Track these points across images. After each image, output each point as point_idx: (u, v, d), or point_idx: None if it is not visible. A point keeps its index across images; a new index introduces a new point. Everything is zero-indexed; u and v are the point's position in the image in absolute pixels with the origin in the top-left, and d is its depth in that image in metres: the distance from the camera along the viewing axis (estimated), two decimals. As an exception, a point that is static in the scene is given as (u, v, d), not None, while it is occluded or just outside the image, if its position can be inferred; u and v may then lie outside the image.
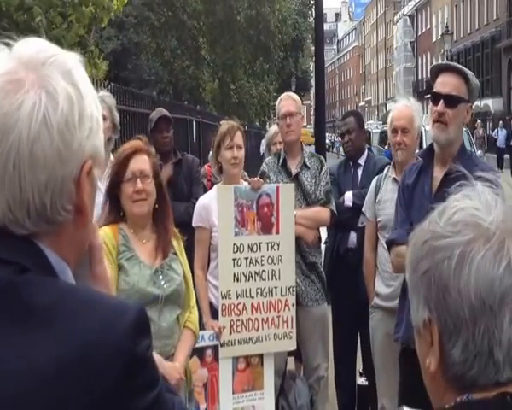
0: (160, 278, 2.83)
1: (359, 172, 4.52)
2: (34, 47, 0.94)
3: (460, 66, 3.13)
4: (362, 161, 4.54)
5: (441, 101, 2.93)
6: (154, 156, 2.93)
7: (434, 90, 3.00)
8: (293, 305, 3.83)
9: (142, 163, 2.80)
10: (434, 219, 0.99)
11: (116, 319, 0.89)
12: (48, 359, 0.84)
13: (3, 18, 5.46)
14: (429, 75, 3.21)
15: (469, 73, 3.03)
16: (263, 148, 10.86)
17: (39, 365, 0.83)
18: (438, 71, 3.06)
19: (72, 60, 0.97)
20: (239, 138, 3.77)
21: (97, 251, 1.19)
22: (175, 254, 2.94)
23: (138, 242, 2.86)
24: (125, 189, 2.79)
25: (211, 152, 4.18)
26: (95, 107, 0.97)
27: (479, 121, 26.80)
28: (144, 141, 2.93)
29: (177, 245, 2.98)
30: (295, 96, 4.37)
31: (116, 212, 2.86)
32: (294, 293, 3.84)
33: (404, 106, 3.83)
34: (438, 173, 3.02)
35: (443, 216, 0.98)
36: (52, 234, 0.94)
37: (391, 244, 3.14)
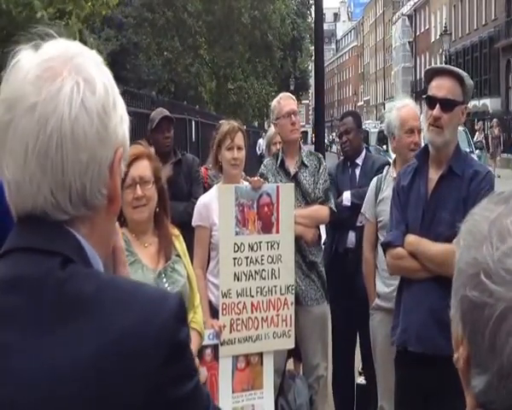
0: (164, 280, 2.84)
1: (357, 171, 4.53)
2: (61, 44, 0.98)
3: (454, 68, 3.13)
4: (360, 160, 4.55)
5: (437, 105, 2.92)
6: (156, 160, 2.92)
7: (429, 93, 2.99)
8: (292, 304, 3.85)
9: (142, 169, 2.80)
10: (494, 239, 0.85)
11: (158, 307, 0.91)
12: (91, 352, 0.86)
13: (2, 14, 5.45)
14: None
15: (464, 74, 3.02)
16: (262, 147, 10.90)
17: (81, 360, 0.85)
18: (432, 74, 3.05)
19: (97, 55, 1.01)
20: (240, 139, 3.77)
21: (121, 253, 1.22)
22: (178, 255, 2.94)
23: (140, 246, 2.87)
24: (125, 195, 2.78)
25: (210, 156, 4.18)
26: (121, 99, 1.01)
27: (494, 121, 25.70)
28: (145, 145, 2.93)
29: (180, 246, 2.98)
30: (293, 97, 4.46)
31: (118, 218, 2.87)
32: (293, 292, 3.86)
33: (413, 106, 3.83)
34: (433, 175, 3.01)
35: (504, 243, 0.84)
36: (88, 221, 0.96)
37: (387, 246, 3.12)
